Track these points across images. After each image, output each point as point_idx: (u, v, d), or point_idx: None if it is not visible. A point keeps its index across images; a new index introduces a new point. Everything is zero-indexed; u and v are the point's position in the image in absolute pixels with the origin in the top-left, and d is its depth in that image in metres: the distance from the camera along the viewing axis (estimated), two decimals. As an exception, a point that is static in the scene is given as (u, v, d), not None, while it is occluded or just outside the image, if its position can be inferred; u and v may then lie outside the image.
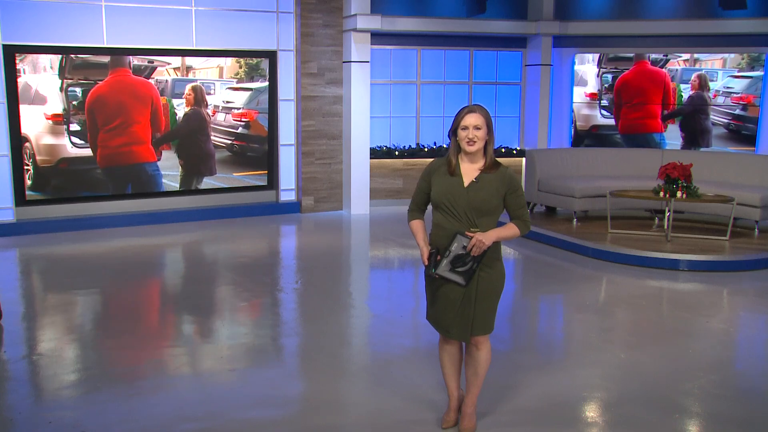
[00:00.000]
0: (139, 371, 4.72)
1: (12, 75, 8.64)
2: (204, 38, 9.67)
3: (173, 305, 6.45)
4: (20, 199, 8.96)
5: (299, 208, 10.59)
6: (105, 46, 9.10)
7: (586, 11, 11.36)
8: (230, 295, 6.61)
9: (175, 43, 9.50)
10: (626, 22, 11.07)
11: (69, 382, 4.55)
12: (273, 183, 10.57)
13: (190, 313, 6.11)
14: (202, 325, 5.75)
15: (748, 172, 9.22)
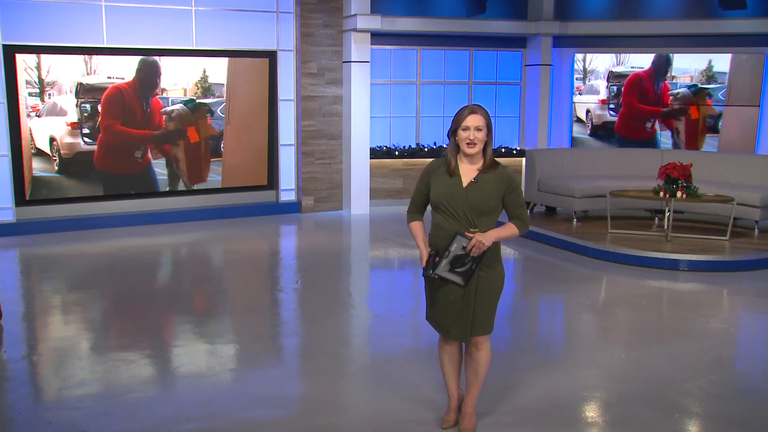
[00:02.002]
0: (139, 371, 4.72)
1: (12, 75, 8.68)
2: (204, 38, 9.68)
3: (173, 305, 6.44)
4: (20, 199, 8.98)
5: (299, 208, 10.59)
6: (105, 46, 9.12)
7: (586, 11, 11.37)
8: (230, 294, 6.61)
9: (175, 43, 9.52)
10: (626, 22, 11.08)
11: (69, 382, 4.55)
12: (273, 183, 10.57)
13: (189, 313, 6.11)
14: (202, 325, 5.75)
15: (748, 172, 9.22)
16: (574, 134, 11.61)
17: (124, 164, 9.50)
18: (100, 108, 9.07)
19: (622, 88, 11.45)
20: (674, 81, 11.32)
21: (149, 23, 9.32)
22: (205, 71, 9.66)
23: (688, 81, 11.37)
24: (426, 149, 11.13)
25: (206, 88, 9.69)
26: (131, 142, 9.52)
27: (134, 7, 9.21)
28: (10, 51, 8.66)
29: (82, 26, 8.98)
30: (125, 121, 9.43)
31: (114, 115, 9.30)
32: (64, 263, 7.77)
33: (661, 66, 11.36)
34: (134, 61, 9.32)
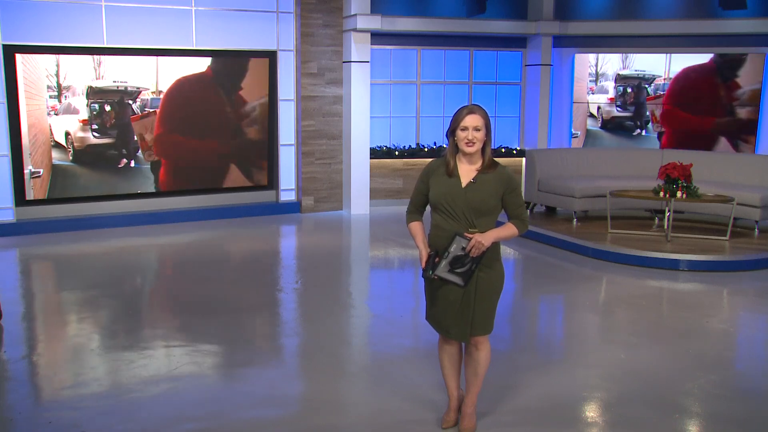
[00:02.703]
0: (139, 370, 4.72)
1: (12, 75, 8.70)
2: (204, 38, 9.68)
3: (173, 305, 6.44)
4: (20, 199, 8.99)
5: (299, 208, 10.59)
6: (105, 46, 9.13)
7: (586, 11, 11.37)
8: (230, 295, 6.61)
9: (175, 43, 9.53)
10: (626, 22, 11.08)
11: (69, 382, 4.55)
12: (273, 183, 10.57)
13: (189, 313, 6.10)
14: (202, 325, 5.75)
15: (748, 172, 9.22)
16: (588, 127, 11.86)
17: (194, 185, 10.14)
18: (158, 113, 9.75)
19: (665, 89, 11.34)
20: (669, 82, 11.34)
21: (149, 23, 9.32)
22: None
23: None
24: (426, 149, 11.13)
25: None
26: (200, 157, 10.04)
27: (134, 7, 9.22)
28: (10, 51, 8.67)
29: (82, 26, 8.98)
30: (193, 128, 9.88)
31: (170, 121, 9.81)
32: (64, 263, 7.77)
33: (726, 63, 11.07)
34: (136, 62, 9.38)
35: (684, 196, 7.85)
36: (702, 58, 11.15)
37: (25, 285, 7.11)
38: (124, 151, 9.56)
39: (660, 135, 11.54)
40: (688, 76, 11.29)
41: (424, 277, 3.64)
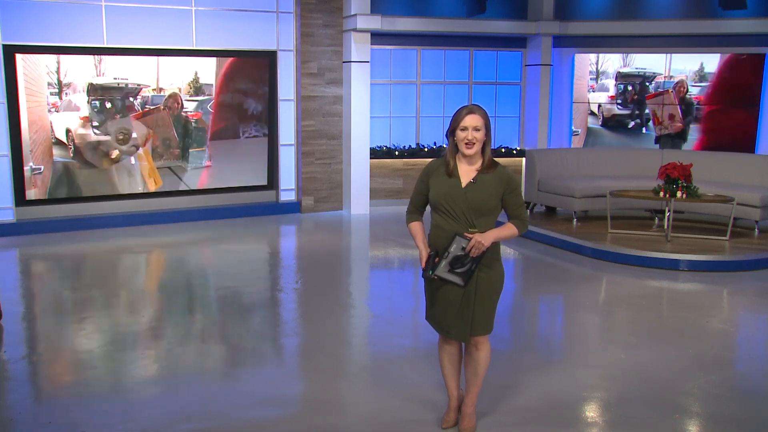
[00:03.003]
0: (138, 371, 4.72)
1: (12, 76, 8.70)
2: (204, 38, 9.68)
3: (173, 305, 6.44)
4: (20, 199, 8.99)
5: (299, 208, 10.59)
6: (105, 46, 9.13)
7: (586, 11, 11.37)
8: (230, 294, 6.61)
9: (175, 43, 9.53)
10: (626, 22, 11.08)
11: (69, 382, 4.56)
12: (273, 183, 10.57)
13: (189, 313, 6.11)
14: (202, 325, 5.75)
15: (748, 172, 9.23)
16: (589, 125, 11.89)
17: None
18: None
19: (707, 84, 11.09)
20: (669, 80, 11.34)
21: (149, 23, 9.33)
22: (196, 73, 9.94)
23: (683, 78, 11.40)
24: (426, 149, 11.13)
25: (198, 88, 9.98)
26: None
27: (134, 7, 9.22)
28: (10, 51, 8.67)
29: (82, 26, 8.99)
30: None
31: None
32: (64, 263, 7.77)
33: None
34: (137, 59, 9.37)
35: (684, 196, 7.85)
36: (703, 59, 11.14)
37: (25, 285, 7.11)
38: (123, 148, 9.59)
39: (659, 138, 11.52)
40: (737, 66, 11.02)
41: (424, 277, 3.64)
